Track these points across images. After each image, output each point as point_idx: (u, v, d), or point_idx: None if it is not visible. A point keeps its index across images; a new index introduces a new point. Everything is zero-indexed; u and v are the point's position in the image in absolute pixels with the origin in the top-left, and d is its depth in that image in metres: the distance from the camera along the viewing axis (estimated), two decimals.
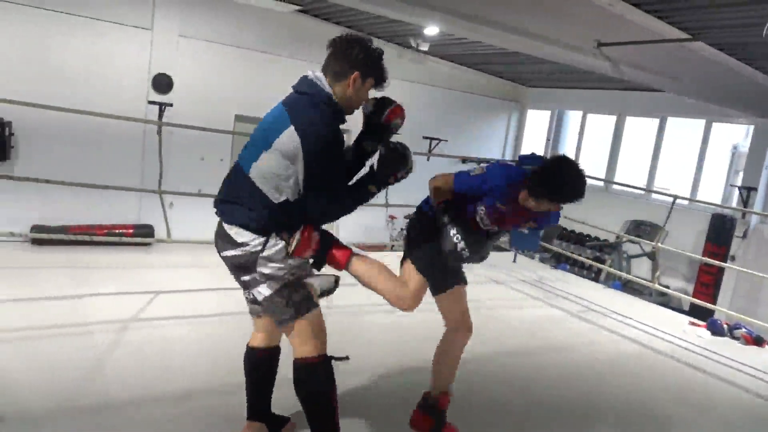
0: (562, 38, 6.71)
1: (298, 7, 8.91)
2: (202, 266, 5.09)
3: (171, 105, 8.68)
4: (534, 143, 12.79)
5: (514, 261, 6.95)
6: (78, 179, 5.12)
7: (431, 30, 8.46)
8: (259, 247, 2.13)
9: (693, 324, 5.36)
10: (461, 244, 2.29)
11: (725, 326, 5.12)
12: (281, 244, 2.14)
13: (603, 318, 5.26)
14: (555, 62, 8.33)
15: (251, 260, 2.14)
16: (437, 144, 11.56)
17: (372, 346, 3.78)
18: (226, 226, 2.23)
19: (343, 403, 2.31)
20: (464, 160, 11.19)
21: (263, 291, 2.17)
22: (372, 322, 4.30)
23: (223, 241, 2.23)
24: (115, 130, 7.70)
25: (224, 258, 2.25)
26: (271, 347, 2.46)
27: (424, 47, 9.51)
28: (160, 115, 8.54)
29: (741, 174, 9.56)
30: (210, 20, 9.01)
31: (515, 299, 5.60)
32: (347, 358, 2.26)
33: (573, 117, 12.51)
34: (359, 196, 2.26)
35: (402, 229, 11.08)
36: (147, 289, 4.31)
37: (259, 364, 2.46)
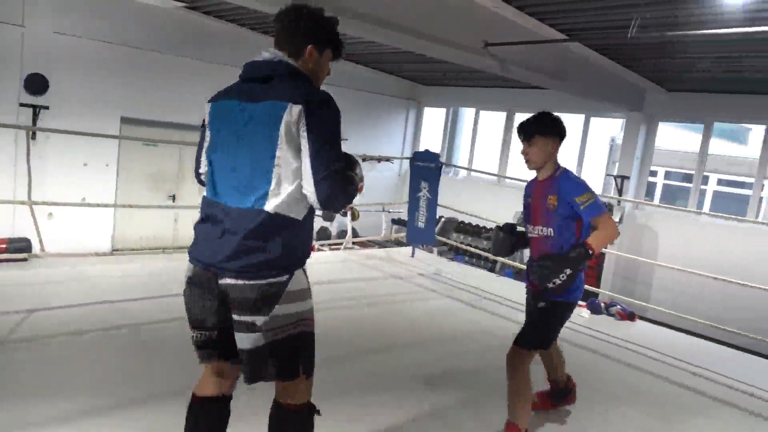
0: (451, 38, 6.96)
1: (182, 4, 8.58)
2: (83, 279, 4.79)
3: (47, 108, 8.10)
4: (432, 140, 13.17)
5: (413, 256, 7.12)
6: None
7: None
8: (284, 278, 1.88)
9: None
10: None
11: (603, 305, 5.56)
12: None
13: (496, 305, 5.53)
14: (448, 62, 8.63)
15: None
16: None
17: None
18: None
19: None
20: (364, 159, 11.29)
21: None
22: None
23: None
24: None
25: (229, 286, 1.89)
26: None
27: None
28: (34, 119, 7.94)
29: (617, 164, 10.39)
30: (89, 16, 8.48)
31: (413, 293, 5.74)
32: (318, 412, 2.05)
33: (467, 114, 13.01)
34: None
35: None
36: (19, 308, 3.98)
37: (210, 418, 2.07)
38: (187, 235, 9.01)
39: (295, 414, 1.96)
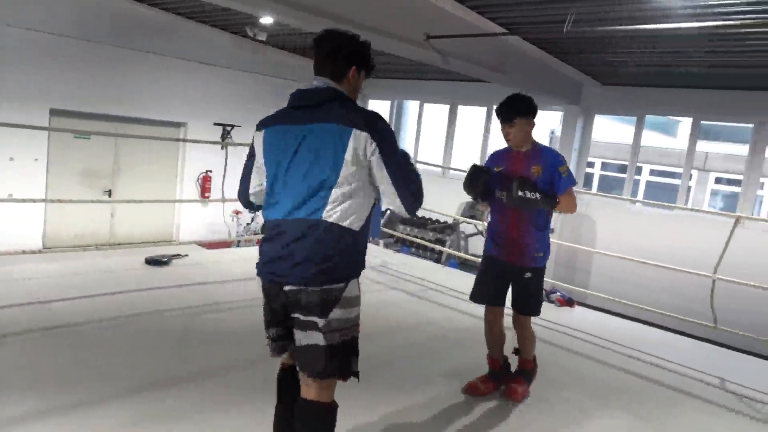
0: (393, 30, 6.95)
1: None
2: (9, 279, 4.53)
3: None
4: None
5: None
6: None
7: (267, 19, 8.30)
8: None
9: None
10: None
11: (544, 292, 5.71)
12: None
13: (440, 296, 5.59)
14: (391, 54, 8.61)
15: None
16: None
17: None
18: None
19: None
20: None
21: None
22: None
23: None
24: None
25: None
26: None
27: (262, 37, 9.30)
28: None
29: None
30: (13, 2, 7.99)
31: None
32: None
33: (412, 107, 13.07)
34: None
35: (247, 224, 10.84)
36: None
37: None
38: (125, 231, 8.68)
39: (323, 410, 2.12)
